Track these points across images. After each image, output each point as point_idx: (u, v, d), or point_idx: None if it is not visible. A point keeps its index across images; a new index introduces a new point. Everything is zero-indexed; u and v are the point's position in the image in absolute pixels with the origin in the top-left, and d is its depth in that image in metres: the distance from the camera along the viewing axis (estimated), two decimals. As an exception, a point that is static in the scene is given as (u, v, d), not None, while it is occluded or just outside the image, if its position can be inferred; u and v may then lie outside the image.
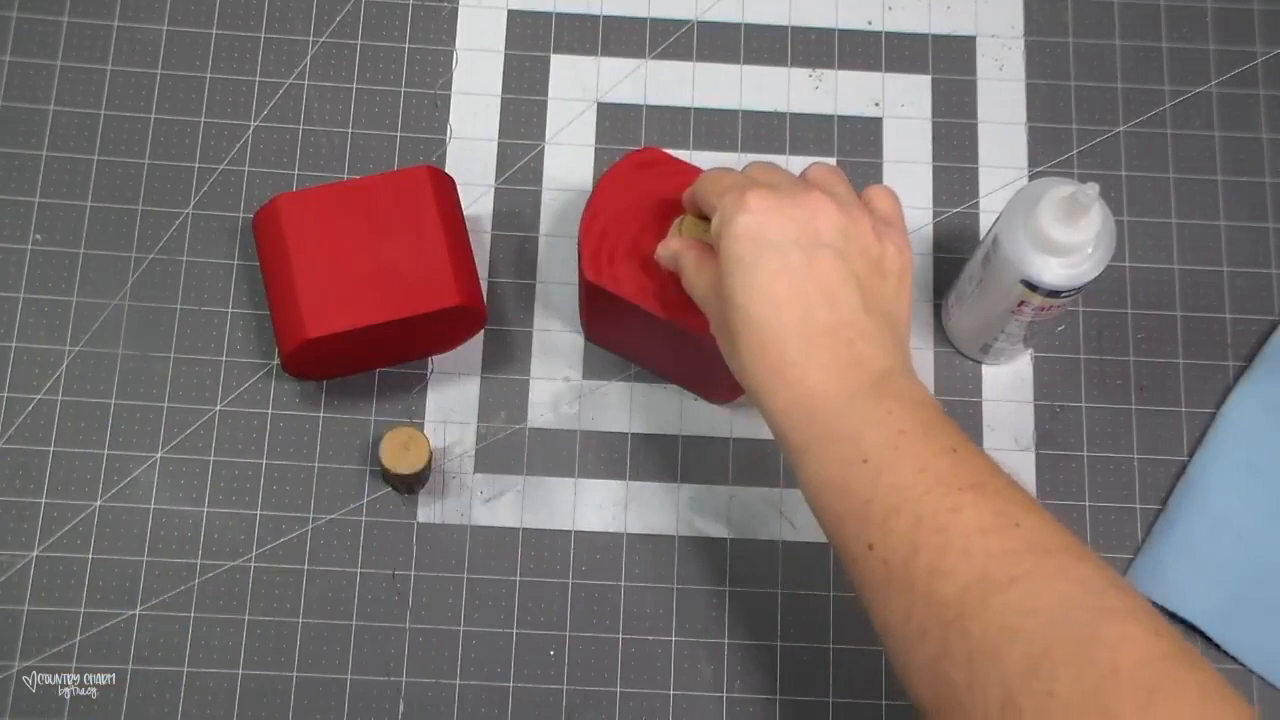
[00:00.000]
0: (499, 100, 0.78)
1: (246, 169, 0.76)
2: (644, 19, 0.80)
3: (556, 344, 0.75)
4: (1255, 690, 0.70)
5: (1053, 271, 0.64)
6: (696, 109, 0.79)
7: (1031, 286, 0.65)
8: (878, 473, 0.52)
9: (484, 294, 0.74)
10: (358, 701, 0.69)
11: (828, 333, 0.55)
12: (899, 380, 0.55)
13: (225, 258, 0.75)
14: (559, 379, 0.74)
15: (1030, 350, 0.75)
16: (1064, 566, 0.50)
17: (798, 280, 0.55)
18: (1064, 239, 0.63)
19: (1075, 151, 0.78)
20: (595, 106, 0.79)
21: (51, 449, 0.72)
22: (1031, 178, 0.78)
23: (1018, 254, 0.64)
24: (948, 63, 0.80)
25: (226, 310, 0.74)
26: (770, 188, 0.57)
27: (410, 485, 0.71)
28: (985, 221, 0.77)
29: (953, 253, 0.77)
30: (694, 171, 0.67)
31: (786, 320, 0.55)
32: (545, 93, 0.79)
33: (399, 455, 0.68)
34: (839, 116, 0.79)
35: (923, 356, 0.75)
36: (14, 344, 0.73)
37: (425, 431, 0.72)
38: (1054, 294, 0.65)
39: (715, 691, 0.70)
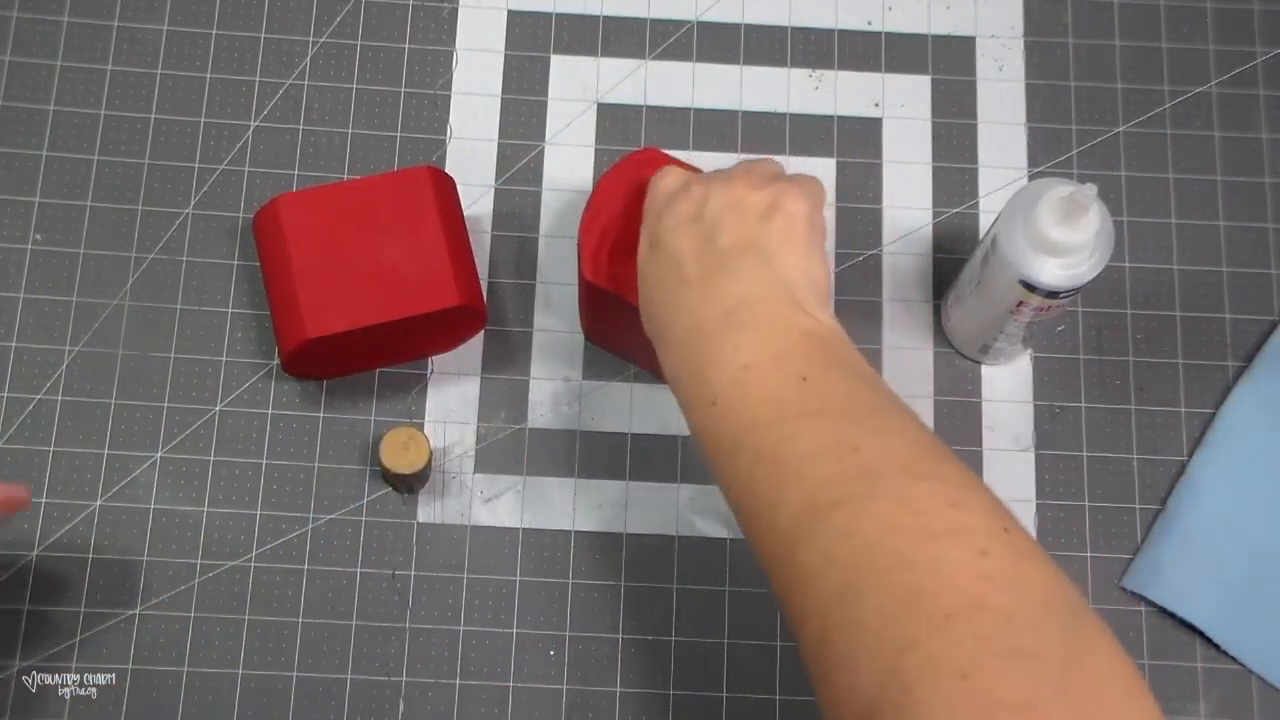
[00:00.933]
0: (499, 100, 0.78)
1: (246, 169, 0.76)
2: (644, 19, 0.80)
3: (556, 344, 0.75)
4: (1255, 690, 0.70)
5: (1051, 272, 0.64)
6: (696, 109, 0.79)
7: (1030, 287, 0.65)
8: (725, 412, 0.52)
9: (484, 294, 0.74)
10: (358, 701, 0.69)
11: (690, 281, 0.57)
12: (756, 308, 0.55)
13: (225, 258, 0.75)
14: (559, 379, 0.74)
15: (1029, 350, 0.75)
16: (897, 489, 0.47)
17: (669, 248, 0.59)
18: (1062, 239, 0.63)
19: (1075, 152, 0.78)
20: (595, 107, 0.79)
21: (51, 449, 0.72)
22: (1031, 178, 0.78)
23: (1016, 254, 0.64)
24: (948, 63, 0.80)
25: (226, 310, 0.74)
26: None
27: (410, 485, 0.71)
28: (985, 222, 0.77)
29: (952, 253, 0.77)
30: (694, 171, 0.67)
31: (661, 280, 0.58)
32: (545, 93, 0.79)
33: (399, 455, 0.68)
34: (839, 117, 0.79)
35: (921, 356, 0.75)
36: (14, 344, 0.73)
37: (425, 431, 0.72)
38: (1052, 294, 0.65)
39: (715, 691, 0.70)
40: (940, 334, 0.75)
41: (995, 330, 0.70)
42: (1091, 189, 0.61)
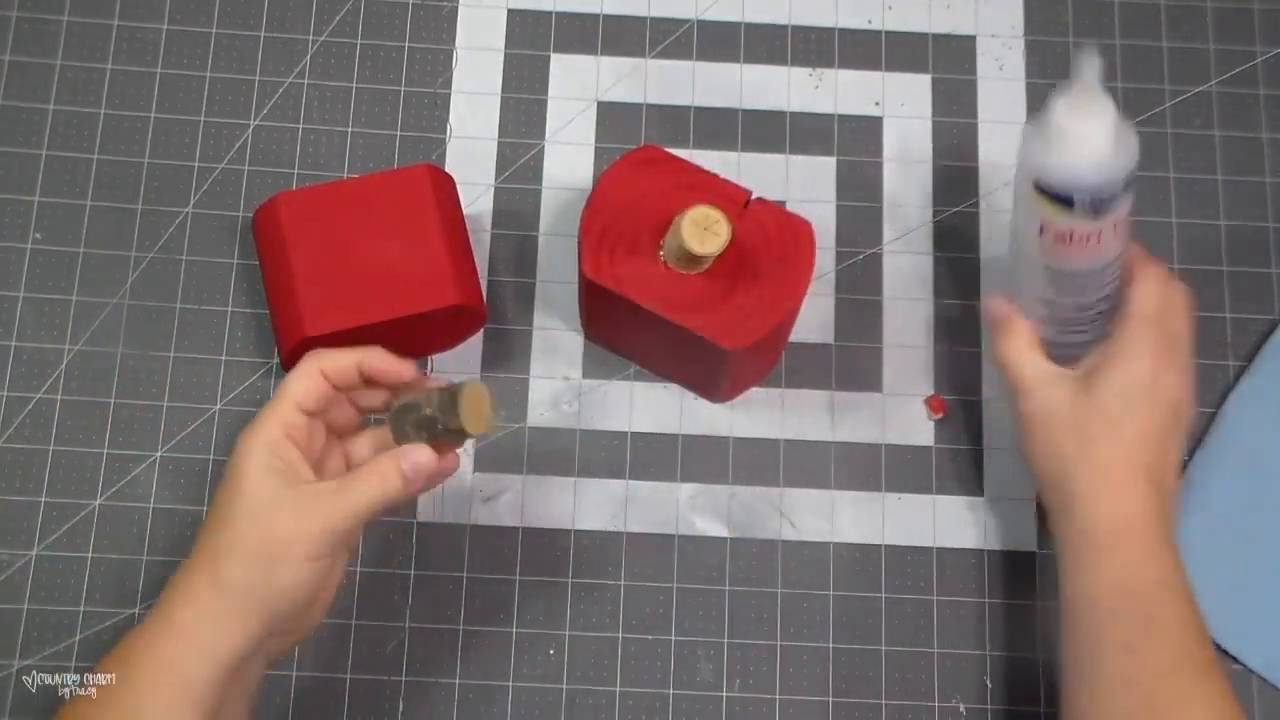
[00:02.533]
0: (499, 99, 0.78)
1: (246, 168, 0.76)
2: (644, 18, 0.80)
3: (556, 343, 0.75)
4: (1255, 690, 0.70)
5: (1065, 168, 0.58)
6: (696, 108, 0.79)
7: (1050, 196, 0.59)
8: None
9: (484, 293, 0.74)
10: (358, 701, 0.69)
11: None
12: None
13: (225, 257, 0.75)
14: (559, 378, 0.74)
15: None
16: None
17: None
18: (1076, 128, 0.57)
19: (1075, 151, 0.78)
20: (595, 105, 0.79)
21: (51, 448, 0.72)
22: (1031, 177, 0.78)
23: (1029, 157, 0.59)
24: (948, 62, 0.80)
25: (226, 309, 0.74)
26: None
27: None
28: (985, 221, 0.77)
29: (953, 252, 0.77)
30: (694, 170, 0.67)
31: (1162, 431, 0.63)
32: (545, 92, 0.79)
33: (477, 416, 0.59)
34: (839, 116, 0.79)
35: (921, 355, 0.75)
36: (14, 343, 0.73)
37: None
38: (1069, 202, 0.58)
39: (715, 691, 0.70)
40: (941, 332, 0.75)
41: (1035, 297, 0.64)
42: (1093, 55, 0.57)
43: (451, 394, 0.58)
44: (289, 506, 0.55)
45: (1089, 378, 0.63)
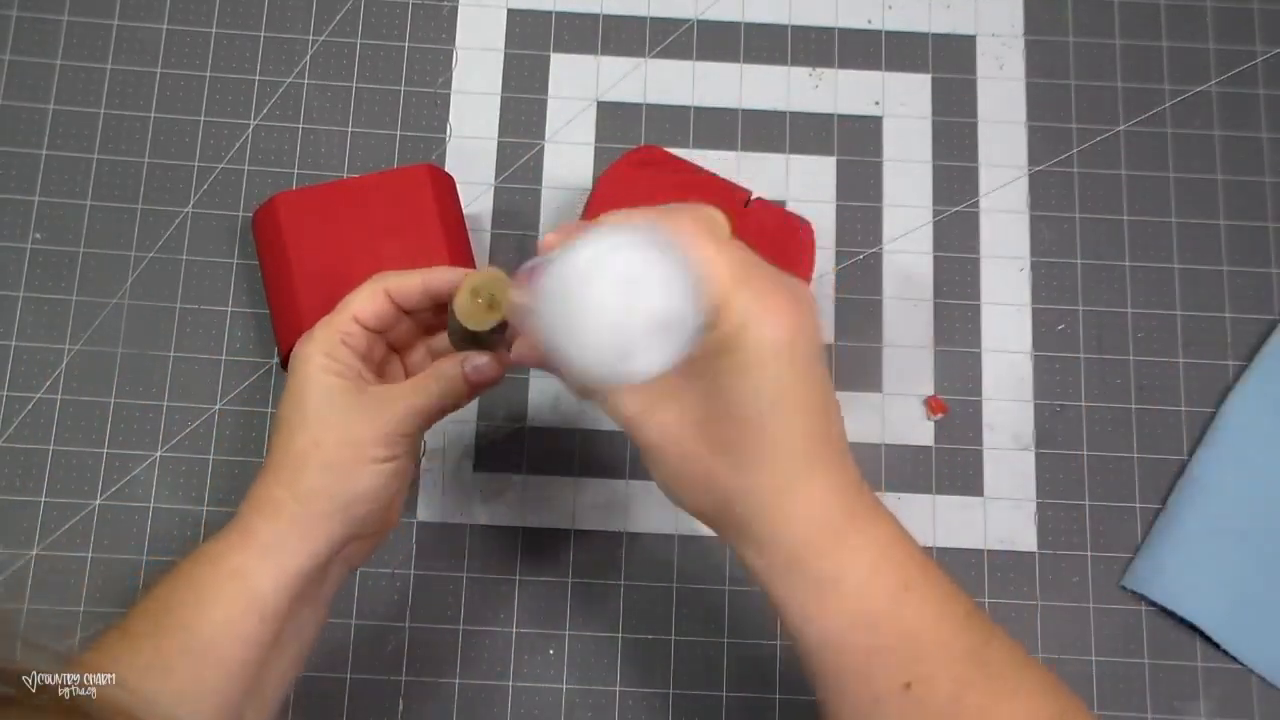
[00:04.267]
0: (499, 99, 0.78)
1: (246, 168, 0.76)
2: (644, 18, 0.80)
3: (556, 343, 0.75)
4: (1255, 690, 0.70)
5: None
6: (696, 108, 0.79)
7: None
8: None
9: (484, 293, 0.74)
10: (358, 701, 0.69)
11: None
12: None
13: (225, 256, 0.75)
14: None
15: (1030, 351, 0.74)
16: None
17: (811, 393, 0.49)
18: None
19: (1075, 150, 0.78)
20: (595, 105, 0.79)
21: (51, 448, 0.72)
22: (1031, 177, 0.78)
23: None
24: (948, 62, 0.80)
25: (226, 309, 0.74)
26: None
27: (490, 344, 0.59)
28: (985, 221, 0.77)
29: (953, 252, 0.77)
30: (694, 170, 0.67)
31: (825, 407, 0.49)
32: (545, 91, 0.79)
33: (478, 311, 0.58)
34: (839, 115, 0.79)
35: (921, 355, 0.75)
36: (14, 343, 0.73)
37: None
38: None
39: (715, 691, 0.70)
40: (941, 332, 0.75)
41: None
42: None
43: (458, 297, 0.58)
44: (359, 410, 0.56)
45: (700, 378, 0.49)
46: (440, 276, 0.59)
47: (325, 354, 0.57)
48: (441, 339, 0.62)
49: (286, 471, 0.56)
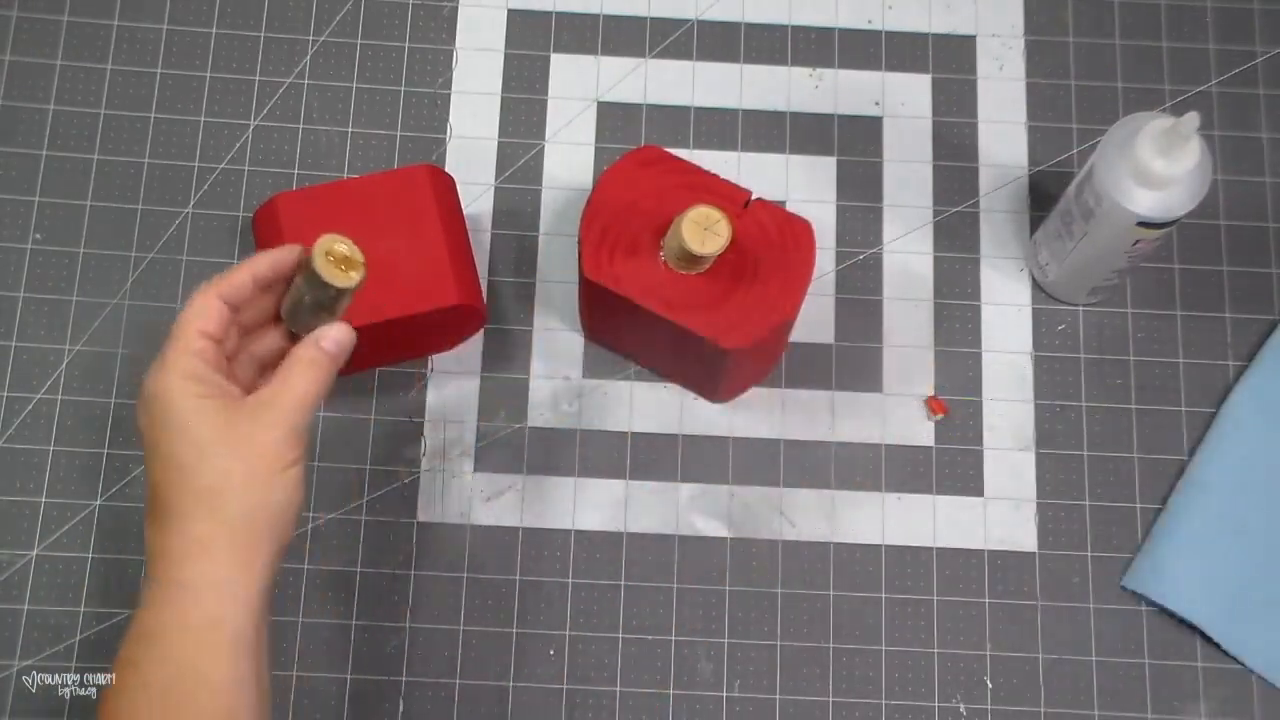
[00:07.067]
0: (499, 99, 0.78)
1: (246, 168, 0.76)
2: (644, 18, 0.80)
3: (556, 343, 0.75)
4: (1255, 690, 0.70)
5: (1165, 205, 0.65)
6: (696, 108, 0.79)
7: (1148, 225, 0.66)
8: None
9: (484, 293, 0.74)
10: (358, 701, 0.69)
11: None
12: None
13: (225, 257, 0.75)
14: (559, 378, 0.74)
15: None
16: None
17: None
18: (1168, 171, 0.63)
19: (1075, 150, 0.78)
20: (595, 105, 0.79)
21: (51, 448, 0.72)
22: (1031, 177, 0.78)
23: (1125, 198, 0.65)
24: (948, 62, 0.80)
25: (226, 310, 0.74)
26: None
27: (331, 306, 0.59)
28: (985, 220, 0.77)
29: (952, 252, 0.77)
30: (694, 170, 0.67)
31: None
32: (545, 92, 0.79)
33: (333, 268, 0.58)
34: (839, 116, 0.79)
35: (923, 354, 0.75)
36: (14, 343, 0.73)
37: (424, 430, 0.72)
38: (1167, 225, 0.66)
39: (715, 691, 0.70)
40: (941, 332, 0.75)
41: (1108, 271, 0.71)
42: (1194, 118, 0.61)
43: (307, 265, 0.57)
44: (249, 424, 0.54)
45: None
46: (263, 261, 0.58)
47: (190, 379, 0.54)
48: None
49: (201, 509, 0.53)
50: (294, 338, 0.58)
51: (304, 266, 0.56)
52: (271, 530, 0.54)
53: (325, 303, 0.57)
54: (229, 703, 0.53)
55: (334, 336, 0.57)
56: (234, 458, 0.53)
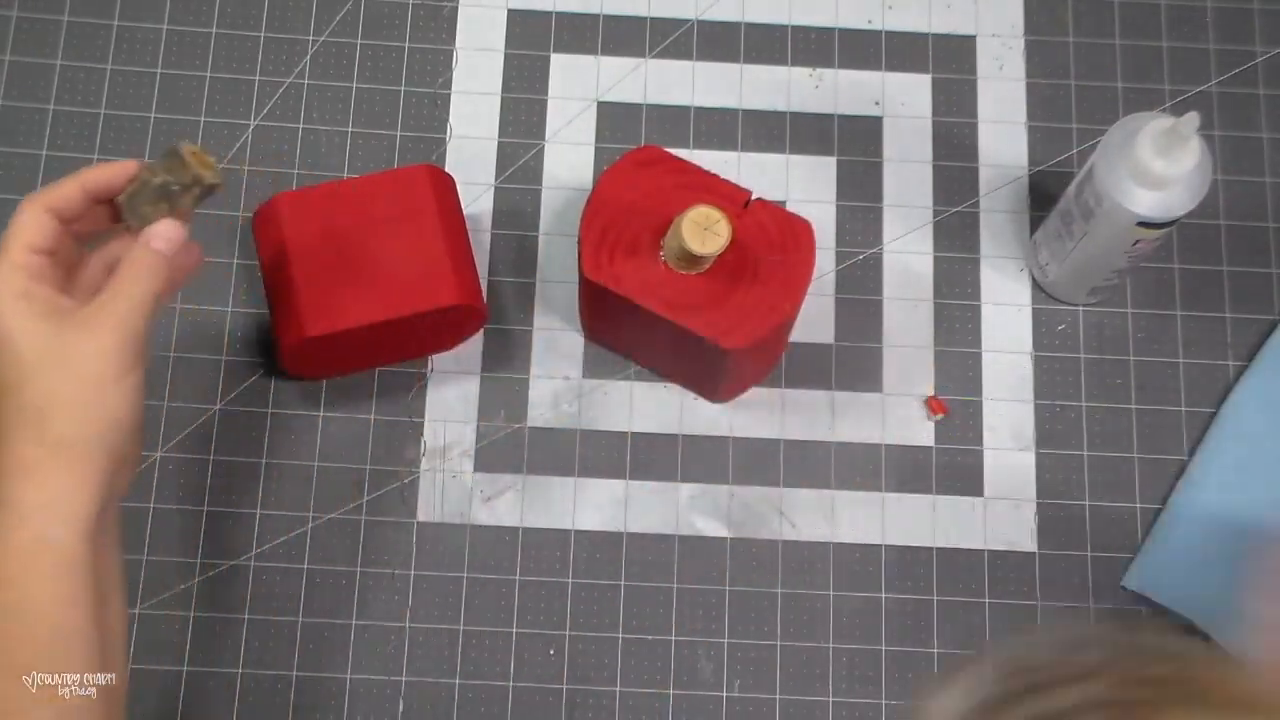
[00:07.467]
0: (499, 99, 0.78)
1: (246, 168, 0.76)
2: (644, 18, 0.80)
3: (556, 343, 0.75)
4: (1255, 690, 0.70)
5: (1166, 205, 0.65)
6: (696, 108, 0.79)
7: (1148, 225, 0.66)
8: None
9: (484, 293, 0.74)
10: (358, 701, 0.69)
11: None
12: None
13: (225, 257, 0.75)
14: (559, 378, 0.74)
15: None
16: None
17: None
18: (1168, 171, 0.64)
19: (1075, 150, 0.78)
20: (595, 105, 0.79)
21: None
22: (1031, 177, 0.78)
23: (1125, 197, 0.65)
24: (948, 62, 0.80)
25: (226, 310, 0.74)
26: None
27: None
28: (985, 220, 0.77)
29: (952, 252, 0.77)
30: (694, 170, 0.67)
31: None
32: (545, 92, 0.79)
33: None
34: (839, 116, 0.79)
35: (923, 355, 0.75)
36: (14, 343, 0.73)
37: (424, 430, 0.72)
38: (1167, 225, 0.66)
39: (715, 691, 0.70)
40: (941, 332, 0.75)
41: (1108, 271, 0.72)
42: (1194, 118, 0.62)
43: (172, 151, 0.57)
44: (78, 339, 0.53)
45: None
46: (96, 175, 0.57)
47: (16, 297, 0.53)
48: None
49: (27, 429, 0.52)
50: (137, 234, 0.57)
51: (167, 155, 0.56)
52: (105, 446, 0.53)
53: (170, 192, 0.56)
54: (57, 621, 0.52)
55: (162, 234, 0.56)
56: (60, 375, 0.52)
